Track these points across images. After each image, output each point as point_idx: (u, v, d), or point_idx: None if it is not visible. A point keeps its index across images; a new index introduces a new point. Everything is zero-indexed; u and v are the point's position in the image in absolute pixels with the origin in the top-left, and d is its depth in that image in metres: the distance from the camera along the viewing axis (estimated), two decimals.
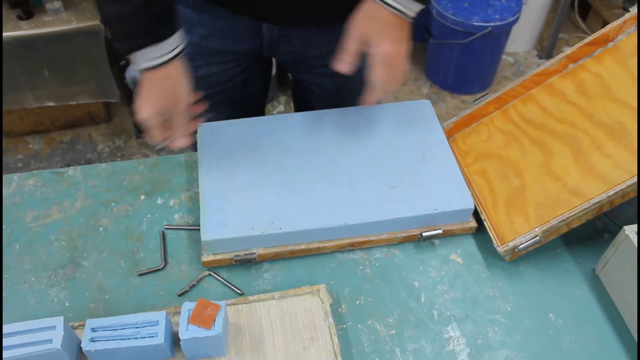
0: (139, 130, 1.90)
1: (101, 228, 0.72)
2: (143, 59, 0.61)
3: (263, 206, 0.69)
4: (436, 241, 0.71)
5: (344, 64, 0.68)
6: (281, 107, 2.05)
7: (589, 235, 0.72)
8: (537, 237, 0.65)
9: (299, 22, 0.79)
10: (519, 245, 0.65)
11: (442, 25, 1.89)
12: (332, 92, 0.91)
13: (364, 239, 0.69)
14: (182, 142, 0.68)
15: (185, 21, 0.79)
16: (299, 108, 1.04)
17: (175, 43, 0.63)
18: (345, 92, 0.91)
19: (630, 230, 0.61)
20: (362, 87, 0.67)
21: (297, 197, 0.69)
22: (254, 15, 0.78)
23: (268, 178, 0.72)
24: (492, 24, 1.82)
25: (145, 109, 0.64)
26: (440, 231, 0.70)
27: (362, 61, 0.67)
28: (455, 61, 1.96)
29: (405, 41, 0.67)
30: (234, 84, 0.90)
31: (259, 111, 1.05)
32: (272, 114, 2.04)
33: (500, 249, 0.66)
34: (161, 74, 0.63)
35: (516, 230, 0.68)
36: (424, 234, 0.69)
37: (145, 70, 0.62)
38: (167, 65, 0.63)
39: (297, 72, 0.93)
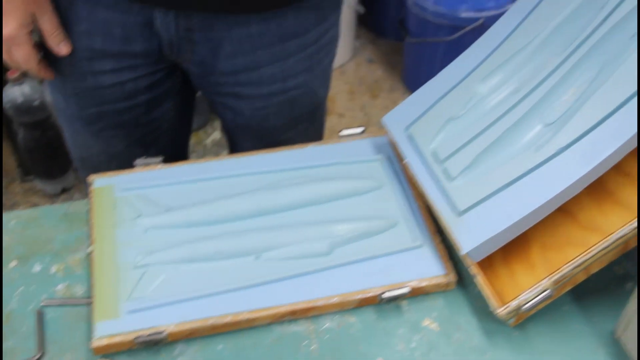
0: (25, 171, 1.89)
1: None
2: None
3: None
4: (403, 303, 0.73)
5: None
6: (217, 134, 2.07)
7: (605, 285, 0.74)
8: (548, 291, 0.67)
9: (201, 5, 0.81)
10: (524, 305, 0.67)
11: (422, 18, 1.95)
12: (252, 119, 0.94)
13: (309, 305, 0.70)
14: (65, 48, 0.83)
15: (57, 13, 0.82)
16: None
17: None
18: (269, 121, 0.93)
19: None
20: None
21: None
22: None
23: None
24: (485, 14, 1.89)
25: (10, 21, 0.77)
26: (406, 289, 0.71)
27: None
28: (440, 64, 2.01)
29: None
30: (136, 103, 0.91)
31: (178, 141, 1.07)
32: (205, 144, 2.09)
33: (502, 312, 0.67)
34: None
35: (518, 284, 0.69)
36: (385, 295, 0.70)
37: None
38: None
39: (205, 91, 0.95)
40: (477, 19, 1.88)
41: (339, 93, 2.19)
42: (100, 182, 0.81)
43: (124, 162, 0.85)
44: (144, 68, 0.88)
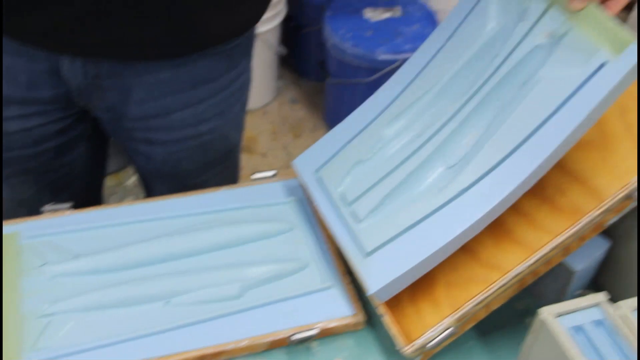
0: None
1: None
2: None
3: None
4: (314, 344, 0.73)
5: None
6: (134, 178, 2.04)
7: (507, 321, 0.77)
8: (452, 329, 0.69)
9: (109, 52, 0.81)
10: (429, 342, 0.68)
11: (341, 60, 1.99)
12: (164, 164, 0.94)
13: (218, 349, 0.70)
14: None
15: None
16: None
17: None
18: (182, 166, 0.94)
19: (548, 312, 0.65)
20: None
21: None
22: (43, 41, 0.79)
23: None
24: (402, 56, 1.94)
25: None
26: (316, 331, 0.72)
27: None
28: (360, 104, 2.07)
29: None
30: (44, 149, 0.90)
31: (91, 185, 1.06)
32: (126, 185, 2.06)
33: (408, 350, 0.69)
34: None
35: (425, 322, 0.71)
36: (294, 337, 0.71)
37: None
38: None
39: (117, 136, 0.95)
40: (394, 61, 1.93)
41: (262, 133, 2.21)
42: (5, 229, 0.79)
43: (34, 208, 0.84)
44: (53, 114, 0.87)
